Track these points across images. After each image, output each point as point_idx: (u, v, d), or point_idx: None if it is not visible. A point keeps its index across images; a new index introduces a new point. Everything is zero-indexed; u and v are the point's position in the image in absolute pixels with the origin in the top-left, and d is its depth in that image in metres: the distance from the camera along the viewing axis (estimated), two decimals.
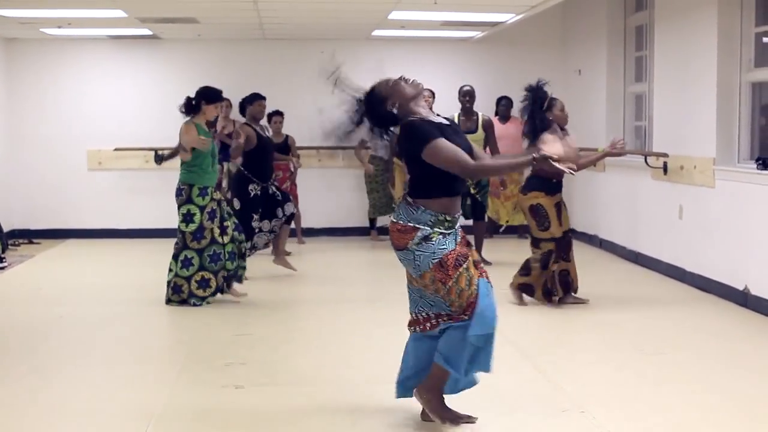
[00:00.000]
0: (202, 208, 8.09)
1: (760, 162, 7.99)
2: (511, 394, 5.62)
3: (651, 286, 9.31)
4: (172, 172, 12.48)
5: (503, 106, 12.67)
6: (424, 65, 12.80)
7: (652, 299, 8.59)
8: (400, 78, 5.01)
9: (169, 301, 8.24)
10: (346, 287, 9.46)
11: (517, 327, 7.33)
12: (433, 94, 10.23)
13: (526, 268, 8.18)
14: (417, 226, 4.81)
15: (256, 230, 9.41)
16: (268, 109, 10.53)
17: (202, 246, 8.14)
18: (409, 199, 4.90)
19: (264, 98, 9.77)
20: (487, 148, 10.11)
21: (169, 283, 8.25)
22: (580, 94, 12.45)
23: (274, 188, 9.64)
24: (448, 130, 4.92)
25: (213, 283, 8.22)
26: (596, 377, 6.09)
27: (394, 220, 4.92)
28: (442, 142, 4.78)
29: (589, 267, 9.59)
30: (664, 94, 9.92)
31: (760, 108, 8.61)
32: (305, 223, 12.78)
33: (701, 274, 8.88)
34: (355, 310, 8.31)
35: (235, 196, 9.55)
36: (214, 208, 8.18)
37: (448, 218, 4.86)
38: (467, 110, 10.27)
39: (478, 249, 10.42)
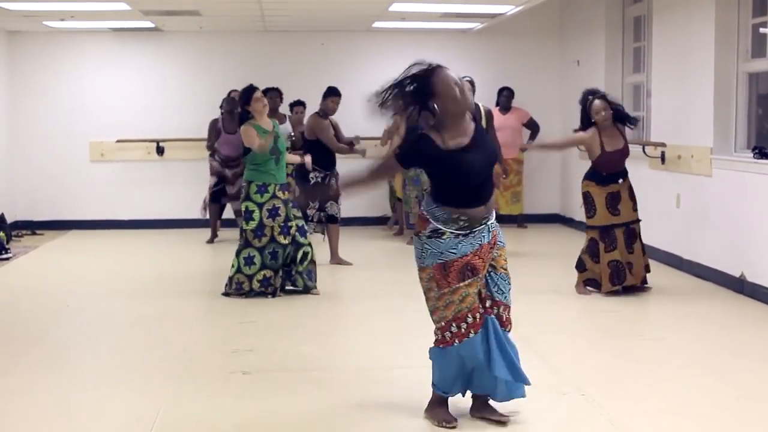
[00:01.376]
0: (260, 206, 8.03)
1: (757, 151, 8.12)
2: None
3: (649, 274, 9.41)
4: (175, 162, 12.70)
5: (504, 96, 12.77)
6: (424, 56, 12.90)
7: (650, 286, 8.71)
8: (459, 87, 4.70)
9: (227, 295, 8.22)
10: (357, 276, 9.57)
11: (520, 315, 7.45)
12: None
13: (580, 264, 8.28)
14: (428, 218, 4.71)
15: (310, 217, 9.64)
16: (287, 99, 10.77)
17: (263, 244, 8.07)
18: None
19: (339, 95, 10.01)
20: None
21: (231, 278, 8.20)
22: (578, 84, 12.52)
23: (333, 180, 9.71)
24: (457, 158, 4.68)
25: (275, 281, 8.18)
26: (596, 362, 6.21)
27: (420, 201, 4.93)
28: (390, 160, 4.92)
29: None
30: (662, 85, 10.03)
31: (757, 98, 8.72)
32: None
33: (699, 262, 9.00)
34: (365, 300, 8.43)
35: (297, 184, 9.70)
36: (278, 206, 8.07)
37: (463, 218, 4.68)
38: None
39: None
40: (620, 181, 8.17)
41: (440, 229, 4.65)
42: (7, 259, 10.65)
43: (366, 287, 8.96)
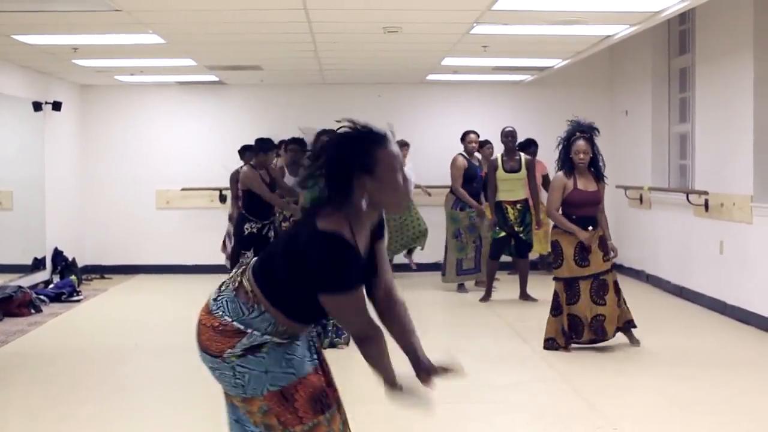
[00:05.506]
0: None
1: None
2: (551, 411, 6.09)
3: (693, 318, 9.67)
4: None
5: (531, 153, 12.03)
6: (477, 107, 13.37)
7: (692, 330, 8.96)
8: (403, 174, 3.26)
9: None
10: None
11: (561, 356, 7.79)
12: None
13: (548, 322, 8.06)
14: (244, 329, 3.27)
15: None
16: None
17: None
18: (247, 285, 3.33)
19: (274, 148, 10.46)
20: (527, 188, 10.66)
21: None
22: (627, 134, 12.93)
23: (267, 229, 9.98)
24: (366, 263, 3.32)
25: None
26: (631, 399, 6.52)
27: (210, 309, 3.38)
28: (354, 299, 3.21)
29: (635, 300, 9.93)
30: (705, 134, 10.34)
31: None
32: None
33: (741, 307, 9.23)
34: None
35: (234, 234, 10.17)
36: None
37: (290, 332, 3.34)
38: (510, 150, 10.68)
39: (523, 287, 10.83)
40: (590, 228, 7.84)
41: (259, 342, 3.28)
42: (78, 301, 11.23)
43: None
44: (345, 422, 3.45)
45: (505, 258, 11.24)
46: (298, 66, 11.73)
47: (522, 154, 10.78)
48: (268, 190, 9.87)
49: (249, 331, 3.25)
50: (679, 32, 11.59)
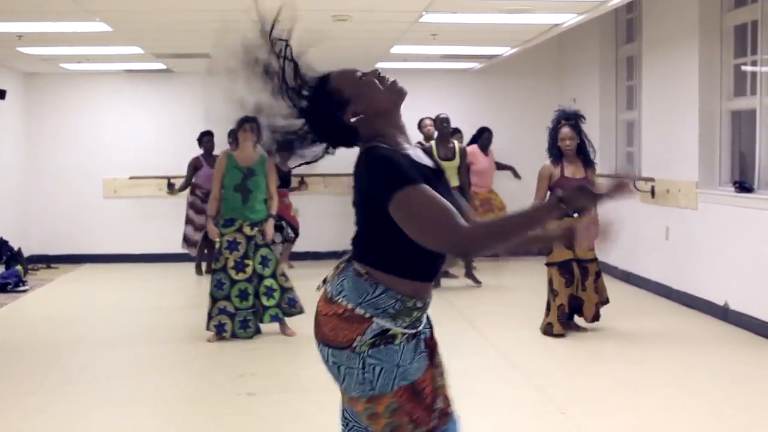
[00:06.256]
0: (222, 236, 8.01)
1: (738, 185, 8.53)
2: (500, 397, 6.15)
3: (640, 303, 9.79)
4: (185, 198, 13.13)
5: (486, 138, 12.32)
6: (426, 95, 13.37)
7: (639, 315, 9.08)
8: (375, 72, 3.12)
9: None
10: None
11: (511, 342, 7.86)
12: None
13: (547, 306, 8.15)
14: (371, 314, 2.93)
15: None
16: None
17: (216, 267, 8.10)
18: (359, 267, 2.99)
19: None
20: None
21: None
22: None
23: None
24: (432, 176, 2.98)
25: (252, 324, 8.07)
26: (580, 383, 6.60)
27: (331, 296, 3.02)
28: (424, 191, 2.81)
29: None
30: (652, 122, 10.46)
31: (739, 134, 9.12)
32: (308, 248, 13.27)
33: (686, 291, 9.38)
34: None
35: None
36: (239, 240, 7.95)
37: (419, 305, 2.99)
38: (444, 137, 10.67)
39: (468, 267, 10.94)
40: (575, 215, 7.96)
41: (389, 330, 2.93)
42: (24, 291, 11.10)
43: None
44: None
45: None
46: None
47: (456, 142, 10.79)
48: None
49: (377, 314, 2.90)
50: (626, 21, 11.71)
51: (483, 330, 8.32)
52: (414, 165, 2.91)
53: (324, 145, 3.12)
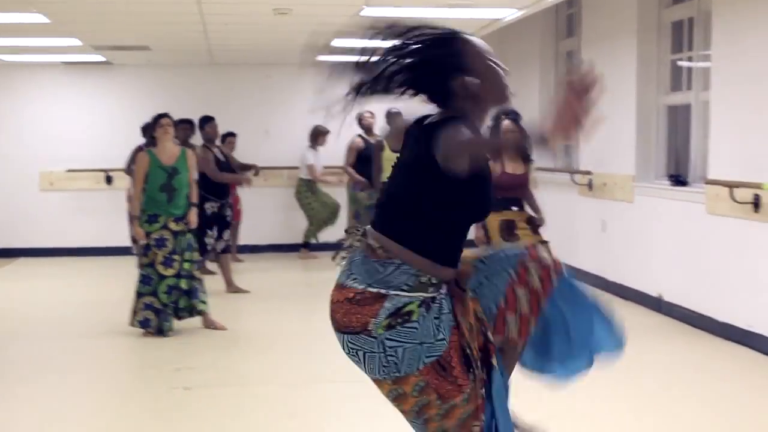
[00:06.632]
0: (148, 234, 7.93)
1: (673, 179, 8.67)
2: None
3: None
4: (122, 191, 13.01)
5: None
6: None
7: None
8: (504, 67, 3.18)
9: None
10: (283, 300, 9.94)
11: None
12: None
13: None
14: (385, 291, 2.89)
15: (209, 247, 9.88)
16: (221, 130, 11.01)
17: (144, 263, 8.03)
18: (377, 244, 2.96)
19: (214, 119, 10.32)
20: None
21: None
22: None
23: (228, 211, 10.07)
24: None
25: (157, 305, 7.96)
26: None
27: (341, 283, 2.99)
28: (465, 131, 2.90)
29: None
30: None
31: (675, 129, 9.26)
32: (248, 241, 13.23)
33: (622, 283, 9.50)
34: (293, 320, 8.85)
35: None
36: (165, 237, 7.92)
37: (434, 281, 2.94)
38: (396, 130, 10.76)
39: None
40: (514, 208, 7.79)
41: (404, 306, 2.88)
42: None
43: (297, 309, 9.38)
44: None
45: None
46: (186, 46, 11.58)
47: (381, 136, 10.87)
48: (219, 171, 9.96)
49: (390, 292, 2.86)
50: (566, 16, 11.81)
51: None
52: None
53: (403, 90, 3.07)
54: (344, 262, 3.04)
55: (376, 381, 2.95)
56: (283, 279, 11.25)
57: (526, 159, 8.03)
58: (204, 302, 8.18)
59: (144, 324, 7.93)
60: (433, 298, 2.91)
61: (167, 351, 7.50)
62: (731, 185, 7.33)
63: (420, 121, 3.07)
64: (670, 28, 9.11)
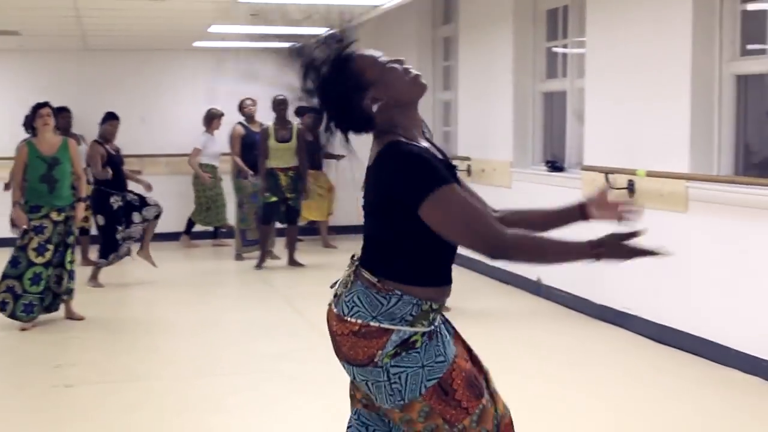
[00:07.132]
0: (30, 220, 7.75)
1: (549, 165, 8.87)
2: (320, 379, 6.21)
3: (456, 280, 9.98)
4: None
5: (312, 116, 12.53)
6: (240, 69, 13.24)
7: (456, 292, 9.26)
8: (399, 61, 3.02)
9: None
10: (168, 290, 9.80)
11: None
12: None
13: None
14: (389, 326, 2.86)
15: (120, 241, 9.64)
16: (95, 116, 10.71)
17: (19, 245, 7.83)
18: (373, 279, 2.90)
19: (118, 118, 10.13)
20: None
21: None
22: None
23: (130, 195, 9.82)
24: (451, 172, 2.93)
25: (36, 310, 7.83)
26: None
27: (343, 315, 2.93)
28: (459, 190, 2.80)
29: None
30: (468, 102, 10.71)
31: (551, 116, 9.45)
32: None
33: (502, 268, 9.65)
34: (179, 311, 8.74)
35: (98, 213, 9.69)
36: (45, 225, 7.75)
37: (435, 306, 2.96)
38: (282, 119, 10.75)
39: (291, 252, 10.99)
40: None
41: (409, 337, 2.87)
42: None
43: (183, 299, 9.26)
44: (496, 393, 3.11)
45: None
46: (59, 31, 11.29)
47: (294, 123, 10.84)
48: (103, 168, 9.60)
49: (395, 323, 2.84)
50: (443, 2, 11.92)
51: (303, 311, 8.35)
52: (439, 162, 2.85)
53: (338, 132, 2.98)
54: (338, 286, 3.00)
55: (386, 411, 2.96)
56: (165, 269, 11.08)
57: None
58: (70, 291, 8.06)
59: (0, 306, 7.77)
60: (435, 325, 2.94)
61: (46, 347, 7.34)
62: (607, 171, 7.52)
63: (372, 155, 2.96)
64: (546, 15, 9.29)
